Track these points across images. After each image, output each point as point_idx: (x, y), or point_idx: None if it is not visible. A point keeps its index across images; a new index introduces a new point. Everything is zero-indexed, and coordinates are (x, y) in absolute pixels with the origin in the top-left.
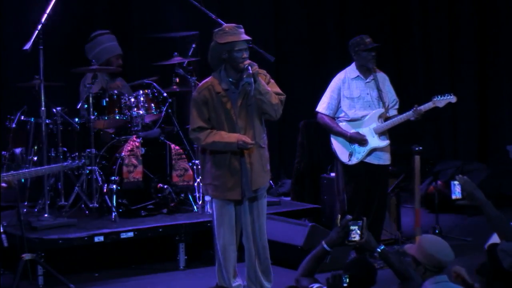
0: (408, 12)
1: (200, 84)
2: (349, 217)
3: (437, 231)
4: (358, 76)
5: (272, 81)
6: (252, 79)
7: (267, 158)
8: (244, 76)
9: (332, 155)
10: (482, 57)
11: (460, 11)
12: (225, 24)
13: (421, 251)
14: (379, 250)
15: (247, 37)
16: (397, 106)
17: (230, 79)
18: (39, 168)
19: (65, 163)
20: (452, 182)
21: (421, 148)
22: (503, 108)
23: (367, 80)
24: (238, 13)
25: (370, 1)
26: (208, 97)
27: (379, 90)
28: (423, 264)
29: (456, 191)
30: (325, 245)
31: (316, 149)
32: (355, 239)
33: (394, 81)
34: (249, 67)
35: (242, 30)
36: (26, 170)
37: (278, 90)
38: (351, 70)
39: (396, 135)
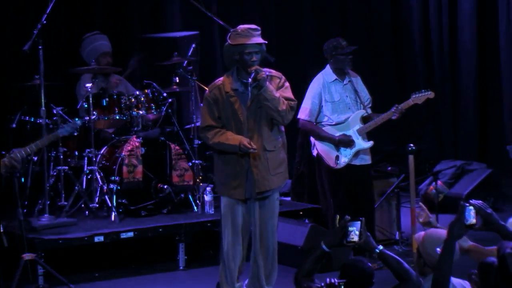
0: (408, 11)
1: (212, 83)
2: (347, 217)
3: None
4: (336, 79)
5: (287, 84)
6: (257, 84)
7: (277, 161)
8: (250, 81)
9: (315, 161)
10: (482, 57)
11: (460, 11)
12: (240, 25)
13: (423, 246)
14: (377, 250)
15: (260, 40)
16: (371, 104)
17: (242, 80)
18: (36, 142)
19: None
20: (466, 207)
21: (414, 148)
22: (503, 108)
23: (344, 83)
24: (238, 13)
25: (370, 1)
26: (218, 96)
27: (356, 91)
28: (423, 258)
29: (471, 216)
30: (323, 246)
31: None
32: (354, 239)
33: (394, 81)
34: (253, 73)
35: (257, 32)
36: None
37: (289, 95)
38: (328, 74)
39: (395, 135)
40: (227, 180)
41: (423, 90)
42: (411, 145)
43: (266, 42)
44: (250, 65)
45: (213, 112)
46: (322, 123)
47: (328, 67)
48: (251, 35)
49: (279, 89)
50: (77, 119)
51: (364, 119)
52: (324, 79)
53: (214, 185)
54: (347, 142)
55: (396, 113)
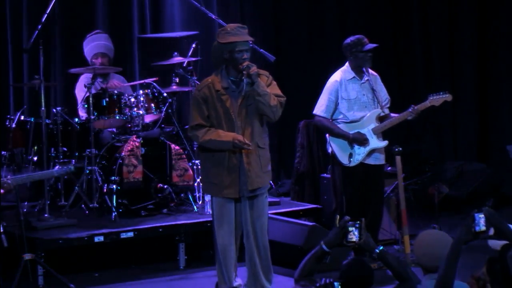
0: (408, 12)
1: (201, 82)
2: (347, 217)
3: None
4: (354, 77)
5: (274, 82)
6: (249, 80)
7: (267, 159)
8: (243, 77)
9: (329, 158)
10: (482, 57)
11: (460, 11)
12: (228, 24)
13: (415, 247)
14: (377, 251)
15: (249, 38)
16: (389, 105)
17: (231, 78)
18: (31, 173)
19: (56, 169)
20: (476, 215)
21: (401, 148)
22: (503, 108)
23: (362, 81)
24: (238, 12)
25: (370, 1)
26: (208, 95)
27: (373, 90)
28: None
29: (481, 224)
30: (323, 246)
31: (316, 149)
32: (354, 239)
33: (394, 81)
34: (247, 68)
35: (245, 30)
36: (20, 176)
37: (278, 92)
38: (346, 71)
39: (395, 135)
40: (218, 179)
41: (441, 92)
42: (397, 146)
43: (253, 39)
44: (241, 62)
45: (203, 111)
46: (337, 120)
47: (347, 64)
48: (241, 33)
49: (267, 86)
50: (71, 166)
51: (381, 119)
52: (342, 76)
53: (202, 187)
54: (360, 140)
55: (412, 113)
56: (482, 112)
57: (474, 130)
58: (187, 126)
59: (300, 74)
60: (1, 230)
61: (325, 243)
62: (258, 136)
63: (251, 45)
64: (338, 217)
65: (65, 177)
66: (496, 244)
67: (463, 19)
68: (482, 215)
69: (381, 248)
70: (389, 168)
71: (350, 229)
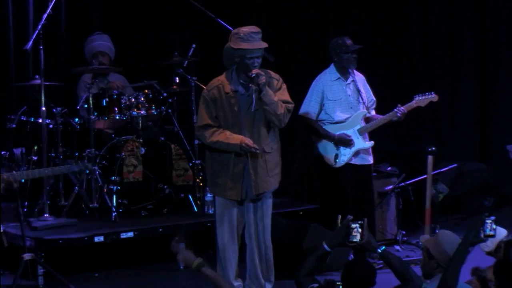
0: (408, 11)
1: (211, 82)
2: (350, 217)
3: (436, 231)
4: (339, 78)
5: (284, 86)
6: (257, 88)
7: (275, 162)
8: (250, 85)
9: (316, 159)
10: (482, 57)
11: (460, 11)
12: (242, 28)
13: (437, 245)
14: (379, 250)
15: (262, 45)
16: (374, 106)
17: (241, 81)
18: (42, 169)
19: (68, 166)
20: (485, 219)
21: (434, 148)
22: (503, 108)
23: (347, 82)
24: (238, 13)
25: (370, 1)
26: (217, 96)
27: (359, 91)
28: (436, 258)
29: (489, 228)
30: (325, 246)
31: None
32: (356, 239)
33: (394, 81)
34: (256, 78)
35: (259, 36)
36: (29, 171)
37: (287, 98)
38: (331, 72)
39: (395, 135)
40: (222, 180)
41: (427, 93)
42: (430, 146)
43: (267, 45)
44: (252, 69)
45: (211, 111)
46: (323, 121)
47: (332, 65)
48: (253, 39)
49: (277, 91)
50: (89, 162)
51: (366, 120)
52: (327, 77)
53: (207, 185)
54: (346, 141)
55: (397, 113)
56: (482, 112)
57: (474, 130)
58: (195, 125)
59: (300, 74)
60: (1, 230)
61: (326, 243)
62: (265, 141)
63: None
64: (340, 217)
65: (86, 171)
66: (486, 245)
67: (463, 19)
68: (490, 220)
69: (383, 248)
70: (389, 168)
71: (353, 228)
